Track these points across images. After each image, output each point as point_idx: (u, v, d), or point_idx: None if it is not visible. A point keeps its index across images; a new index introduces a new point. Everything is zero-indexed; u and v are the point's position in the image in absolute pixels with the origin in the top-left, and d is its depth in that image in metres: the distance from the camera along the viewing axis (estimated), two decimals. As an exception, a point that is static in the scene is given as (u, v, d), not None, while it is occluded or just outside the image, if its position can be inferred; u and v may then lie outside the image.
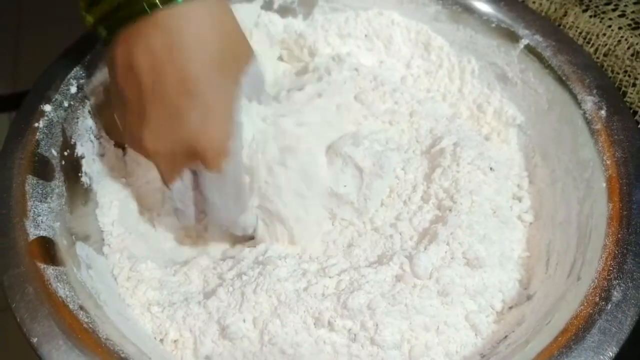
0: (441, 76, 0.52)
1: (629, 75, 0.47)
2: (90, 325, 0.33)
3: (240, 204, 0.42)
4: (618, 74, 0.48)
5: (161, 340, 0.38)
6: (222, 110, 0.39)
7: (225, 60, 0.39)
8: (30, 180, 0.38)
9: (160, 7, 0.36)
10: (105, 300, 0.37)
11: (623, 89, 0.48)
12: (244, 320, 0.37)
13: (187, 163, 0.39)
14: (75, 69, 0.44)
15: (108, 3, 0.37)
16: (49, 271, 0.35)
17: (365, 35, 0.54)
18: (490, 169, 0.43)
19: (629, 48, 0.47)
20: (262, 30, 0.53)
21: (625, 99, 0.47)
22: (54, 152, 0.41)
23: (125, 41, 0.38)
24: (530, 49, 0.47)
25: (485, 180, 0.43)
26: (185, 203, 0.41)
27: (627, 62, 0.48)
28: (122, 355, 0.32)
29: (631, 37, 0.47)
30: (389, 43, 0.54)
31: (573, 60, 0.46)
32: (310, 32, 0.54)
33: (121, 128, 0.42)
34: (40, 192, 0.38)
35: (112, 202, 0.44)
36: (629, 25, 0.50)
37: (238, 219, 0.42)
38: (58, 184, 0.40)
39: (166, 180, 0.41)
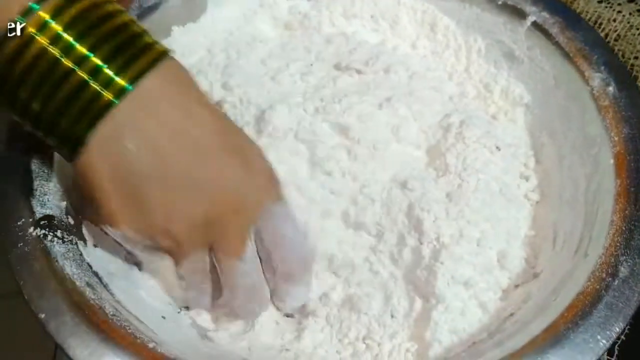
0: (447, 56, 0.52)
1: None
2: (97, 302, 0.33)
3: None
4: (629, 59, 0.47)
5: (165, 317, 0.38)
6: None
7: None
8: (36, 158, 0.38)
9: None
10: (112, 277, 0.37)
11: (634, 74, 0.47)
12: None
13: (255, 214, 0.35)
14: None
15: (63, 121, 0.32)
16: (56, 249, 0.35)
17: (371, 16, 0.54)
18: (497, 148, 0.43)
19: (640, 34, 0.47)
20: (267, 12, 0.53)
21: (637, 83, 0.47)
22: (60, 132, 0.41)
23: (119, 131, 0.33)
24: (537, 26, 0.47)
25: (491, 159, 0.43)
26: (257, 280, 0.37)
27: (639, 47, 0.48)
28: (129, 330, 0.33)
29: (642, 22, 0.47)
30: (394, 23, 0.53)
31: (580, 37, 0.45)
32: (315, 13, 0.53)
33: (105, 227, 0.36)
34: (47, 171, 0.38)
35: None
36: (638, 10, 0.50)
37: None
38: (64, 163, 0.40)
39: (239, 249, 0.35)
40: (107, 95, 0.32)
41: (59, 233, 0.36)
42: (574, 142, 0.43)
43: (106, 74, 0.32)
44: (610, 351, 0.39)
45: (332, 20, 0.54)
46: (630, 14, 0.49)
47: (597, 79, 0.43)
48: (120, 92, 0.32)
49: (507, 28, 0.49)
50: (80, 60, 0.32)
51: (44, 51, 0.31)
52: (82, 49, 0.32)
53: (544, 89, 0.47)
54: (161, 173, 0.33)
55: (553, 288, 0.36)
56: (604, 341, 0.31)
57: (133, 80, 0.33)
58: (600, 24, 0.49)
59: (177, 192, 0.34)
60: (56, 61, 0.31)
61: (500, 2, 0.48)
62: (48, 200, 0.37)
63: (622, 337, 0.37)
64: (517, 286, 0.39)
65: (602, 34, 0.49)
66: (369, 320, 0.37)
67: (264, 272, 0.37)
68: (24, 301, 0.33)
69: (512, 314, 0.37)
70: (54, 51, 0.31)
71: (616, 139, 0.40)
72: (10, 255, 0.34)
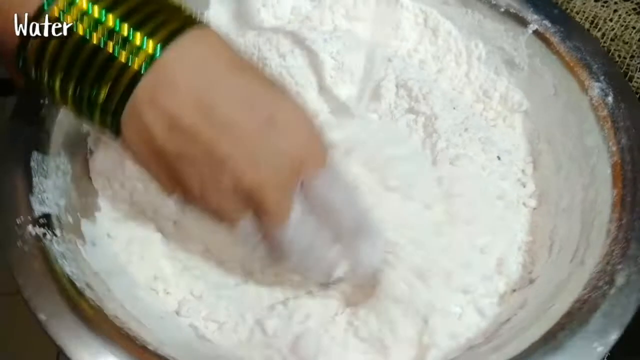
0: (448, 60, 0.52)
1: (637, 60, 0.47)
2: (97, 303, 0.33)
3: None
4: (625, 58, 0.48)
5: (163, 318, 0.38)
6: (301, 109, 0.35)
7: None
8: (36, 156, 0.38)
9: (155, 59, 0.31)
10: (111, 277, 0.37)
11: (630, 73, 0.48)
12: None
13: (296, 177, 0.34)
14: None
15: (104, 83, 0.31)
16: (55, 248, 0.35)
17: (373, 19, 0.54)
18: (498, 158, 0.43)
19: (636, 33, 0.47)
20: (269, 11, 0.53)
21: (631, 84, 0.47)
22: (59, 129, 0.40)
23: (140, 109, 0.32)
24: (538, 35, 0.47)
25: (489, 165, 0.43)
26: (312, 242, 0.35)
27: (635, 46, 0.48)
28: (129, 332, 0.33)
29: (638, 21, 0.47)
30: (396, 27, 0.53)
31: (581, 47, 0.45)
32: (317, 14, 0.54)
33: (185, 197, 0.35)
34: (45, 168, 0.38)
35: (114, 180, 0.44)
36: (634, 9, 0.50)
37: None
38: (64, 160, 0.40)
39: (280, 218, 0.34)
40: (135, 65, 0.31)
41: (58, 232, 0.36)
42: (572, 151, 0.43)
43: (135, 42, 0.31)
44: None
45: (334, 22, 0.54)
46: (626, 13, 0.49)
47: (596, 88, 0.43)
48: (148, 61, 0.31)
49: (508, 35, 0.49)
50: (109, 33, 0.31)
51: (72, 29, 0.31)
52: (110, 21, 0.31)
53: (543, 97, 0.47)
54: (188, 151, 0.33)
55: (549, 295, 0.37)
56: (601, 348, 0.32)
57: (160, 47, 0.31)
58: (597, 23, 0.50)
59: (205, 167, 0.33)
60: (84, 37, 0.31)
61: (502, 10, 0.49)
62: (47, 199, 0.37)
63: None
64: (513, 291, 0.40)
65: (599, 34, 0.50)
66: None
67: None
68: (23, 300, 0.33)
69: (508, 319, 0.37)
70: (82, 26, 0.31)
71: (614, 149, 0.40)
72: (9, 254, 0.34)
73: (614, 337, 0.32)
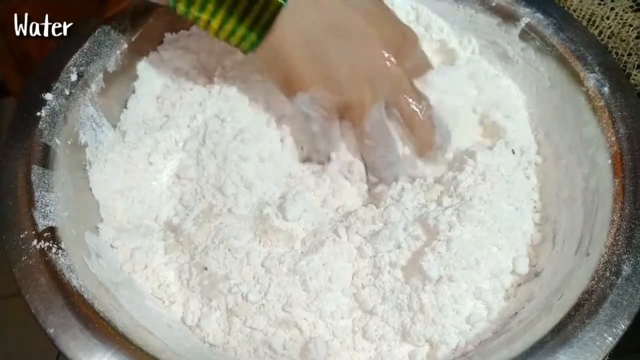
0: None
1: (634, 57, 0.47)
2: (106, 314, 0.33)
3: None
4: (623, 55, 0.48)
5: (171, 326, 0.38)
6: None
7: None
8: (36, 170, 0.38)
9: None
10: (117, 287, 0.37)
11: (628, 71, 0.48)
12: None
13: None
14: (74, 56, 0.43)
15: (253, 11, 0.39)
16: (61, 261, 0.35)
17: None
18: (512, 151, 0.43)
19: (633, 30, 0.47)
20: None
21: (630, 81, 0.48)
22: (58, 141, 0.40)
23: (299, 10, 0.39)
24: (531, 28, 0.47)
25: (503, 161, 0.44)
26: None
27: (632, 44, 0.48)
28: (140, 342, 0.33)
29: (635, 19, 0.48)
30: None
31: (575, 38, 0.46)
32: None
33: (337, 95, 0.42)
34: (47, 181, 0.38)
35: (114, 191, 0.43)
36: (631, 7, 0.51)
37: None
38: (64, 173, 0.39)
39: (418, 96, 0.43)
40: None
41: (62, 245, 0.36)
42: (571, 143, 0.44)
43: None
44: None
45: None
46: (623, 10, 0.49)
47: (592, 79, 0.43)
48: None
49: (501, 29, 0.49)
50: None
51: None
52: None
53: (538, 90, 0.47)
54: (338, 34, 0.41)
55: (556, 287, 0.37)
56: (610, 339, 0.32)
57: None
58: (594, 21, 0.50)
59: (353, 54, 0.41)
60: None
61: (494, 4, 0.49)
62: (50, 212, 0.37)
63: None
64: (519, 285, 0.40)
65: (596, 32, 0.50)
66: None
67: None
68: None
69: (516, 313, 0.38)
70: None
71: (613, 138, 0.40)
72: (15, 269, 0.34)
73: (623, 326, 0.32)
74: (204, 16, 0.40)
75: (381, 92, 0.42)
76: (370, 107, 0.42)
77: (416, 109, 0.43)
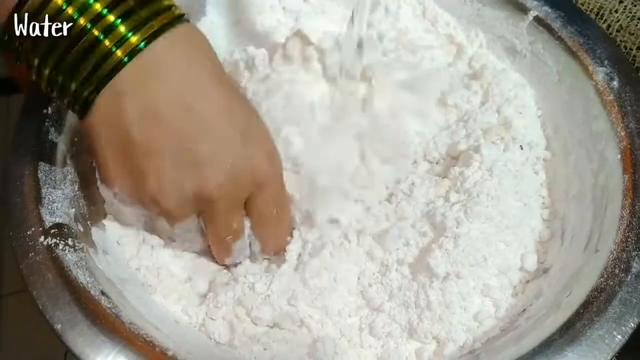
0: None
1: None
2: (113, 310, 0.33)
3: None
4: (631, 50, 0.47)
5: (178, 322, 0.38)
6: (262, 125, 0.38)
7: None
8: (43, 167, 0.38)
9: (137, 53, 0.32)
10: (124, 283, 0.37)
11: (637, 64, 0.48)
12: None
13: (248, 192, 0.37)
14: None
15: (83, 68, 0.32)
16: (68, 257, 0.35)
17: (372, 12, 0.54)
18: (520, 147, 0.43)
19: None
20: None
21: (639, 74, 0.47)
22: (64, 138, 0.40)
23: (119, 95, 0.32)
24: (539, 21, 0.47)
25: (511, 157, 0.43)
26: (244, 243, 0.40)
27: (641, 38, 0.48)
28: (147, 339, 0.33)
29: (643, 13, 0.47)
30: (395, 20, 0.53)
31: (583, 31, 0.45)
32: (317, 3, 0.53)
33: (141, 197, 0.36)
34: (54, 178, 0.38)
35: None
36: (640, 0, 0.50)
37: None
38: (70, 169, 0.39)
39: (227, 227, 0.37)
40: (119, 53, 0.32)
41: (69, 241, 0.36)
42: (580, 138, 0.43)
43: (120, 31, 0.32)
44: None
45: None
46: (632, 4, 0.49)
47: (600, 73, 0.43)
48: (132, 52, 0.32)
49: (508, 23, 0.49)
50: (96, 19, 0.31)
51: (59, 11, 0.31)
52: (97, 7, 0.31)
53: (547, 84, 0.47)
54: (158, 145, 0.33)
55: (564, 284, 0.36)
56: (619, 337, 0.32)
57: (146, 41, 0.32)
58: (602, 15, 0.49)
59: (171, 165, 0.34)
60: (72, 19, 0.31)
61: (501, -3, 0.48)
62: (57, 208, 0.37)
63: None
64: (527, 282, 0.40)
65: (604, 25, 0.49)
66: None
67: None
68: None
69: (524, 310, 0.37)
70: (70, 10, 0.31)
71: (622, 133, 0.40)
72: (22, 265, 0.34)
73: (632, 324, 0.32)
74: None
75: (191, 212, 0.36)
76: (178, 220, 0.37)
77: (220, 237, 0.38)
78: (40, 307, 0.33)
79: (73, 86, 0.33)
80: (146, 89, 0.33)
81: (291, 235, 0.41)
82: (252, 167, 0.36)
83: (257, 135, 0.37)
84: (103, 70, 0.32)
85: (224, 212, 0.36)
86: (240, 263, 0.41)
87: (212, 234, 0.38)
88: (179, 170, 0.34)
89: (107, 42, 0.32)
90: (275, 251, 0.41)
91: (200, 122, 0.34)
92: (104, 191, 0.38)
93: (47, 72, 0.32)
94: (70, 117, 0.40)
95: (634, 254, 0.34)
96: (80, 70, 0.32)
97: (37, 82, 0.34)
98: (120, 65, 0.32)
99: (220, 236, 0.38)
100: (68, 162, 0.40)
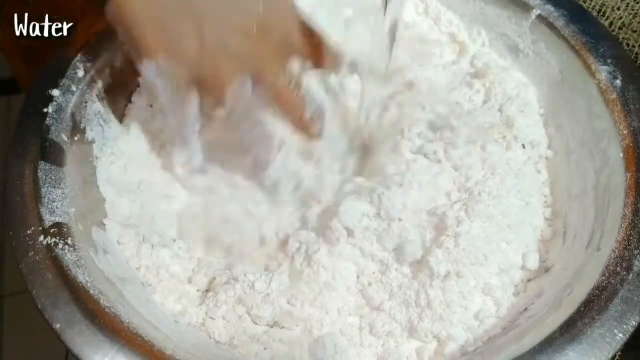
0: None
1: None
2: (112, 310, 0.33)
3: None
4: (634, 47, 0.47)
5: (177, 322, 0.38)
6: None
7: None
8: (43, 166, 0.38)
9: None
10: (124, 283, 0.37)
11: (639, 62, 0.47)
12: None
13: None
14: (81, 52, 0.43)
15: None
16: (67, 257, 0.35)
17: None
18: (522, 145, 0.43)
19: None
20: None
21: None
22: (65, 137, 0.40)
23: None
24: (542, 19, 0.47)
25: (513, 155, 0.43)
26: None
27: (644, 35, 0.48)
28: (146, 338, 0.33)
29: (646, 10, 0.47)
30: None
31: (586, 30, 0.45)
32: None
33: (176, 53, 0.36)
34: (54, 177, 0.38)
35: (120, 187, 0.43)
36: (642, -3, 0.50)
37: None
38: (70, 168, 0.39)
39: (283, 73, 0.37)
40: None
41: (69, 240, 0.36)
42: (582, 136, 0.43)
43: None
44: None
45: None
46: (635, 1, 0.48)
47: (603, 72, 0.42)
48: None
49: (511, 21, 0.48)
50: None
51: None
52: None
53: (549, 83, 0.47)
54: (194, 4, 0.34)
55: (566, 283, 0.36)
56: (620, 335, 0.31)
57: None
58: (604, 12, 0.49)
59: (210, 23, 0.34)
60: None
61: (504, -5, 0.48)
62: (57, 208, 0.37)
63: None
64: (529, 280, 0.39)
65: (606, 23, 0.49)
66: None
67: None
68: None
69: (525, 309, 0.37)
70: None
71: (625, 132, 0.40)
72: (22, 264, 0.34)
73: (633, 323, 0.32)
74: None
75: (240, 68, 0.36)
76: (228, 84, 0.36)
77: (283, 87, 0.38)
78: (40, 306, 0.33)
79: None
80: None
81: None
82: (280, 20, 0.37)
83: None
84: None
85: (273, 60, 0.37)
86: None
87: (274, 91, 0.38)
88: (219, 26, 0.34)
89: None
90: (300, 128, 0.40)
91: None
92: (145, 70, 0.36)
93: None
94: (70, 117, 0.41)
95: (635, 252, 0.34)
96: None
97: None
98: None
99: (283, 86, 0.37)
100: (68, 160, 0.40)
